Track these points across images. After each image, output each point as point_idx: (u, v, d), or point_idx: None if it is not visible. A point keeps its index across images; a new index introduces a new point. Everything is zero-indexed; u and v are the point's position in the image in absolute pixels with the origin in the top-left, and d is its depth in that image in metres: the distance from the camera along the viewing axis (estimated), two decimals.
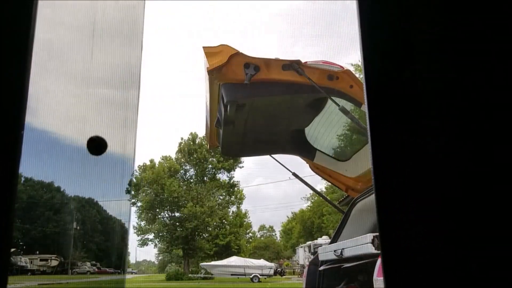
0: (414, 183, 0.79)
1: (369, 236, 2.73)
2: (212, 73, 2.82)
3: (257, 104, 3.31)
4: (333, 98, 2.88)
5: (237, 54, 2.74)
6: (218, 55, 2.76)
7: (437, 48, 0.82)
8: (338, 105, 2.86)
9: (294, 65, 2.73)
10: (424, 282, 0.77)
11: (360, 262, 2.95)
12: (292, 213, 69.92)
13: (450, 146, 0.77)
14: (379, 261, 2.44)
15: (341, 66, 2.79)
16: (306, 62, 2.78)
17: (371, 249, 2.69)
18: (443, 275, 0.75)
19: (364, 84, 0.83)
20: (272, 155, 4.54)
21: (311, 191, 58.73)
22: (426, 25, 0.83)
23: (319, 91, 2.84)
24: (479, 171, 0.76)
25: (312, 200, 60.01)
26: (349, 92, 2.83)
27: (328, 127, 4.17)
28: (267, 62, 2.77)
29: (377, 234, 2.78)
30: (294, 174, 4.60)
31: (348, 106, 2.97)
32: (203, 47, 2.82)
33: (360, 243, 2.89)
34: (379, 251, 2.73)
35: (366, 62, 0.84)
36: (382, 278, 2.41)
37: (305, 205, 63.73)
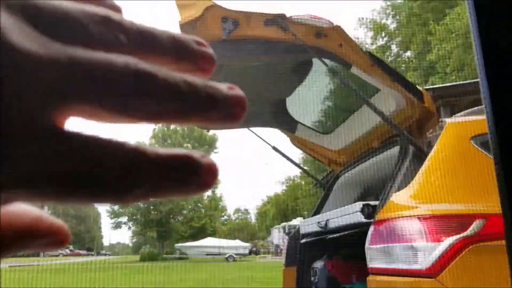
0: None
1: (358, 205, 2.52)
2: (185, 28, 2.50)
3: (236, 66, 3.04)
4: (321, 59, 2.64)
5: (214, 6, 2.44)
6: (192, 8, 2.45)
7: None
8: (326, 65, 2.62)
9: (278, 20, 2.46)
10: None
11: (348, 232, 2.77)
12: (267, 196, 70.60)
13: None
14: (371, 229, 2.26)
15: (330, 22, 2.53)
16: (291, 16, 2.51)
17: (360, 218, 2.50)
18: None
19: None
20: (250, 128, 4.28)
21: (286, 176, 59.16)
22: None
23: (304, 51, 2.58)
24: None
25: (287, 184, 60.61)
26: (338, 51, 2.58)
27: (310, 98, 3.95)
28: (248, 16, 2.48)
29: (367, 202, 2.60)
30: (274, 148, 4.37)
31: (336, 68, 2.74)
32: None
33: (348, 212, 2.69)
34: (370, 220, 2.55)
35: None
36: (375, 246, 2.23)
37: (280, 189, 64.31)
